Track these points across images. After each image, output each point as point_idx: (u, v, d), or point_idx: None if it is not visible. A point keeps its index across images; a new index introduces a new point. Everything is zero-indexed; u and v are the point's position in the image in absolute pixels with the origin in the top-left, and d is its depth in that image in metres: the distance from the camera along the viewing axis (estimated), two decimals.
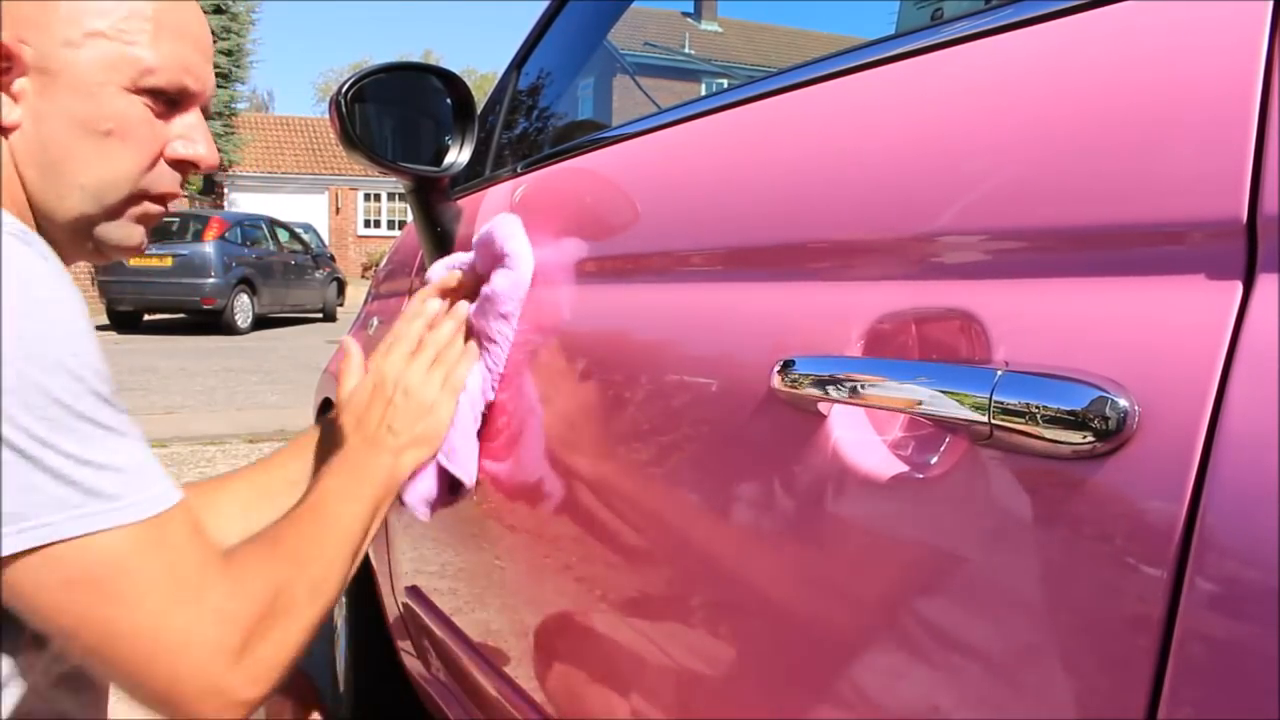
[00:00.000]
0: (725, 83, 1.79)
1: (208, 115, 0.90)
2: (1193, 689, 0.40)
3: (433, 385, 1.05)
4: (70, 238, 0.83)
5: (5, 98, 0.78)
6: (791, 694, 0.66)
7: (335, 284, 15.68)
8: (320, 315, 14.90)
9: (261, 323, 13.13)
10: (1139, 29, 0.50)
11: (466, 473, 1.09)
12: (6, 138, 0.79)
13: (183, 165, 0.86)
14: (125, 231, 0.85)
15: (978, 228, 0.56)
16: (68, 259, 0.85)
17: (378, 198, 28.24)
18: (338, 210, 27.93)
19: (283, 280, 13.84)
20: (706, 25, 16.11)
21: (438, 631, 1.45)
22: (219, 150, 0.91)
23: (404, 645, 1.74)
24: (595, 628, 0.95)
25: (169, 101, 0.83)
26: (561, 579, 1.04)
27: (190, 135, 0.85)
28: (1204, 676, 0.40)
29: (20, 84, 0.78)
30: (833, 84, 0.73)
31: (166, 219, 1.19)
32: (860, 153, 0.68)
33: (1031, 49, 0.56)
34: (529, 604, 1.14)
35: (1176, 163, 0.45)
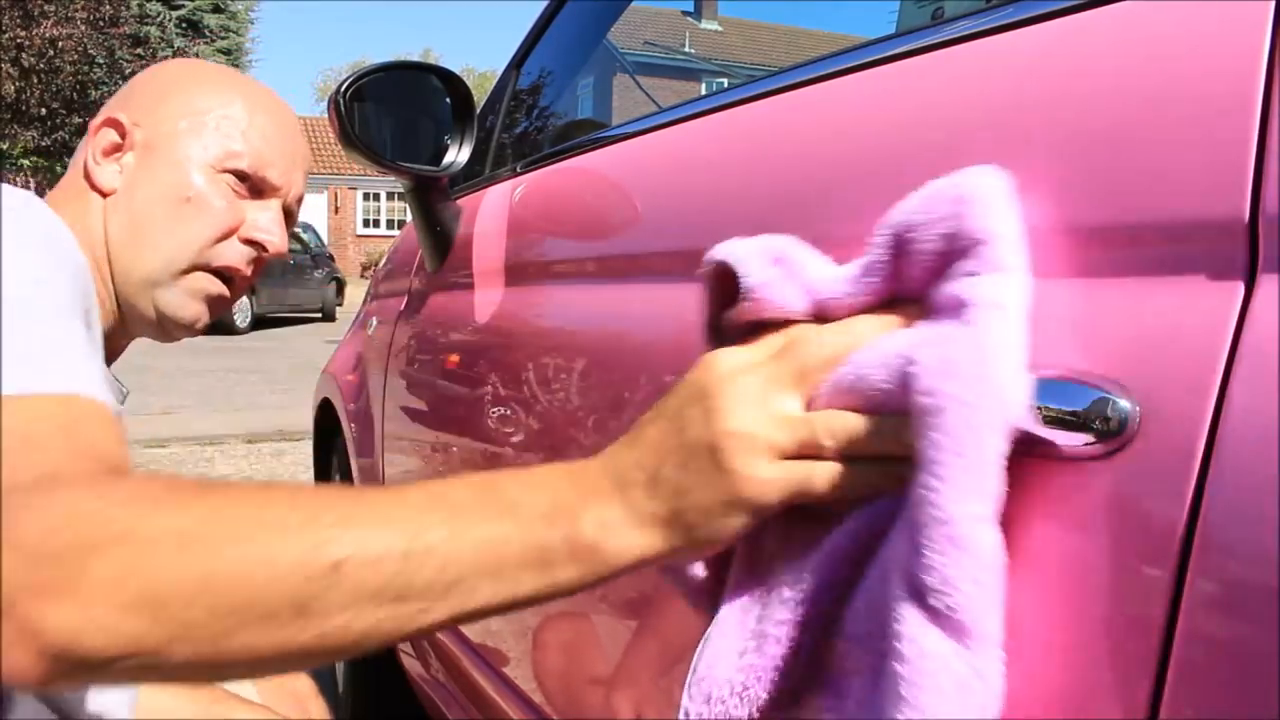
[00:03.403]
0: (726, 82, 1.79)
1: (293, 220, 0.97)
2: (1194, 690, 0.40)
3: (763, 423, 0.50)
4: (135, 306, 0.90)
5: (110, 166, 0.90)
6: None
7: (334, 283, 15.69)
8: (319, 315, 14.90)
9: (260, 322, 13.13)
10: (1140, 28, 0.50)
11: None
12: (104, 199, 0.90)
13: (253, 245, 0.92)
14: (181, 301, 0.90)
15: None
16: (133, 333, 0.93)
17: (377, 197, 28.25)
18: (336, 209, 27.92)
19: (281, 280, 13.83)
20: (707, 24, 16.12)
21: (437, 632, 1.44)
22: None
23: (403, 646, 1.74)
24: (595, 629, 0.95)
25: (253, 189, 0.92)
26: None
27: (264, 221, 0.92)
28: (1205, 677, 0.40)
29: (127, 158, 0.90)
30: (833, 84, 0.73)
31: None
32: (860, 152, 0.68)
33: (1032, 48, 0.56)
34: None
35: (1178, 163, 0.45)
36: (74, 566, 0.44)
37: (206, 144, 0.90)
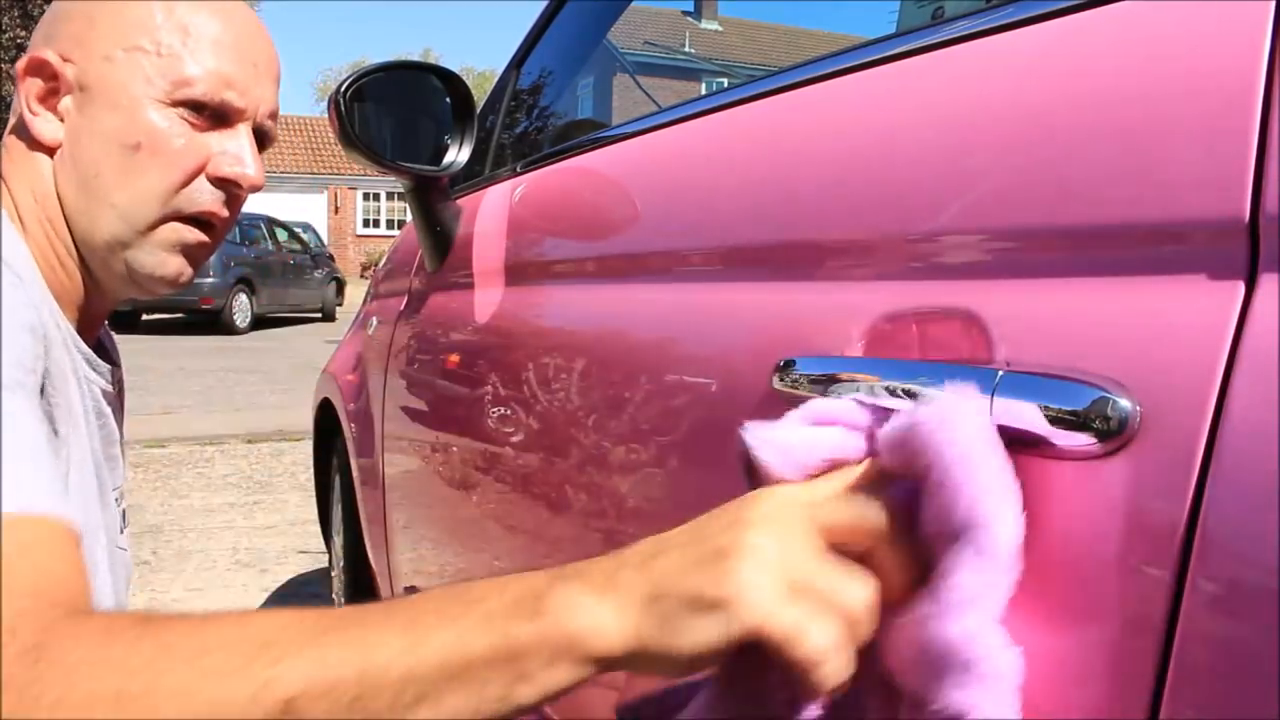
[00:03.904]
0: (725, 82, 1.79)
1: (269, 139, 0.84)
2: (1195, 690, 0.40)
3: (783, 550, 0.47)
4: (107, 268, 0.80)
5: (49, 116, 0.78)
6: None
7: (334, 283, 15.68)
8: (319, 315, 14.89)
9: (260, 322, 13.12)
10: (1140, 28, 0.50)
11: None
12: (51, 157, 0.78)
13: (225, 184, 0.80)
14: (157, 259, 0.79)
15: (978, 228, 0.56)
16: (112, 294, 0.83)
17: (376, 197, 28.25)
18: (336, 209, 27.92)
19: (281, 280, 13.84)
20: (707, 24, 16.11)
21: None
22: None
23: None
24: None
25: (213, 117, 0.79)
26: None
27: (233, 153, 0.80)
28: (1206, 677, 0.40)
29: (64, 103, 0.77)
30: (833, 84, 0.73)
31: None
32: (860, 152, 0.68)
33: (1032, 48, 0.56)
34: None
35: (1178, 162, 0.45)
36: None
37: (148, 74, 0.76)
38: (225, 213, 0.81)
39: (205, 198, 0.79)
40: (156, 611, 0.48)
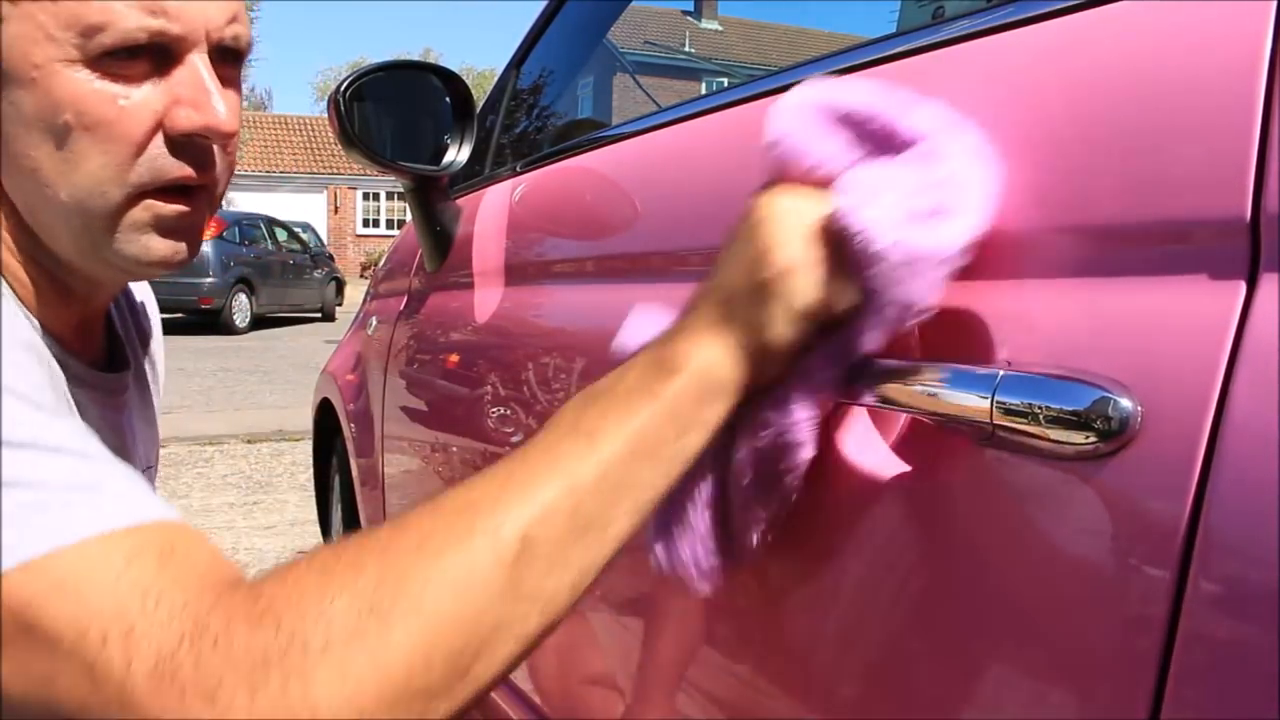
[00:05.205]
0: (726, 81, 1.79)
1: (241, 52, 0.65)
2: (1196, 690, 0.40)
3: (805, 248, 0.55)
4: (89, 265, 0.66)
5: None
6: (789, 694, 0.66)
7: (334, 283, 15.69)
8: (319, 315, 14.90)
9: (260, 322, 13.12)
10: (1140, 28, 0.50)
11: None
12: None
13: (189, 139, 0.63)
14: (138, 246, 0.64)
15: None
16: (109, 285, 0.72)
17: (376, 197, 28.26)
18: (336, 209, 27.93)
19: (281, 280, 13.84)
20: (707, 24, 16.11)
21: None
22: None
23: None
24: (593, 628, 0.95)
25: (152, 57, 0.61)
26: None
27: (190, 98, 0.62)
28: (1207, 677, 0.40)
29: None
30: None
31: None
32: None
33: (1032, 48, 0.56)
34: None
35: (1179, 162, 0.45)
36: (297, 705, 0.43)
37: (48, 30, 0.58)
38: (201, 177, 0.65)
39: (170, 163, 0.63)
40: (344, 538, 0.50)
